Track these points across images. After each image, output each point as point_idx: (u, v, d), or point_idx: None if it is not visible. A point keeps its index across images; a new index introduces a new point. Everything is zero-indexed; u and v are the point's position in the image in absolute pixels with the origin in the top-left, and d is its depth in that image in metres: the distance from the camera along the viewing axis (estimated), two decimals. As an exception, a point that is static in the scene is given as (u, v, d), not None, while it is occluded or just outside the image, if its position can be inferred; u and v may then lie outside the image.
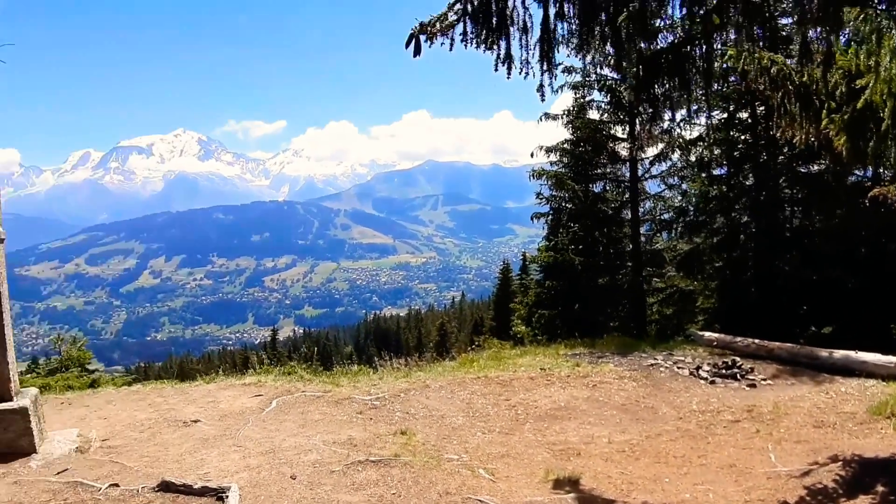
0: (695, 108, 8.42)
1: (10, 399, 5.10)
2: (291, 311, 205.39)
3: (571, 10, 4.54)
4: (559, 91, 14.19)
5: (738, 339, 9.23)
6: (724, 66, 7.36)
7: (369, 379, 7.96)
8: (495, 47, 4.56)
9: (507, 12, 4.49)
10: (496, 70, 4.63)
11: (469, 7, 4.47)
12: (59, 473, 4.79)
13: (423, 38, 4.46)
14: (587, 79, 14.24)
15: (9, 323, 5.13)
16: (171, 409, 6.80)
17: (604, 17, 4.55)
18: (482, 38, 4.53)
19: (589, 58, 5.08)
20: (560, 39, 4.67)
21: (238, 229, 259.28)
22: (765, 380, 7.83)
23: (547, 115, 14.44)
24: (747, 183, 13.21)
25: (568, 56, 5.13)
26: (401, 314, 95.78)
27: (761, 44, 4.88)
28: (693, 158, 13.97)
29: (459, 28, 4.51)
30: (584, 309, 14.21)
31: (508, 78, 4.61)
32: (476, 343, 15.73)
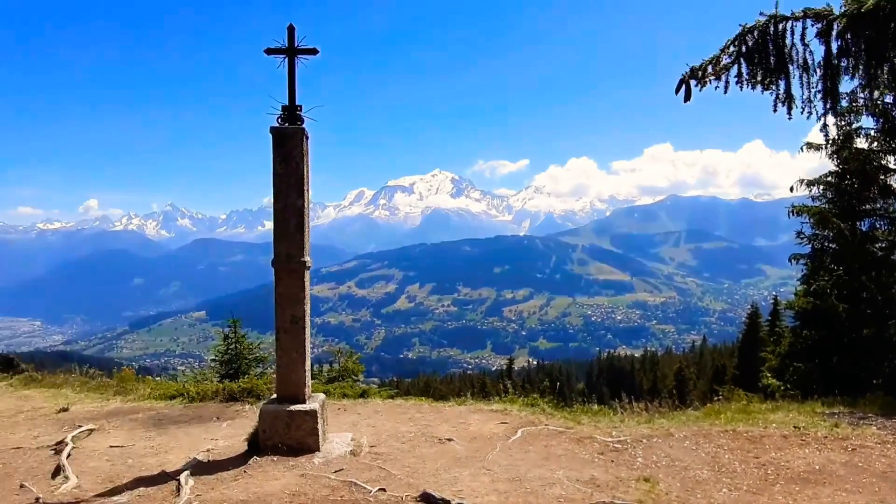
0: None
1: (304, 402, 6.02)
2: (527, 343, 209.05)
3: (856, 45, 4.11)
4: (823, 118, 12.19)
5: None
6: None
7: (610, 420, 7.85)
8: (773, 87, 4.42)
9: (786, 51, 4.29)
10: (775, 110, 4.48)
11: (744, 48, 4.35)
12: (336, 472, 5.46)
13: (693, 82, 4.48)
14: (854, 104, 12.02)
15: (308, 336, 6.07)
16: (428, 426, 7.42)
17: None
18: (759, 78, 4.43)
19: (877, 93, 4.72)
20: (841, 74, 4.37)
21: (482, 261, 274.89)
22: None
23: (809, 146, 12.74)
24: None
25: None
26: (636, 354, 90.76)
27: None
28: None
29: (734, 70, 4.46)
30: (844, 363, 11.96)
31: (789, 118, 4.48)
32: (718, 393, 14.04)
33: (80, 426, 7.75)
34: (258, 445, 5.94)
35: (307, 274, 6.11)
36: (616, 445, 6.59)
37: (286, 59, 6.19)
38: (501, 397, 9.12)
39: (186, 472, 5.37)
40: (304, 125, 6.16)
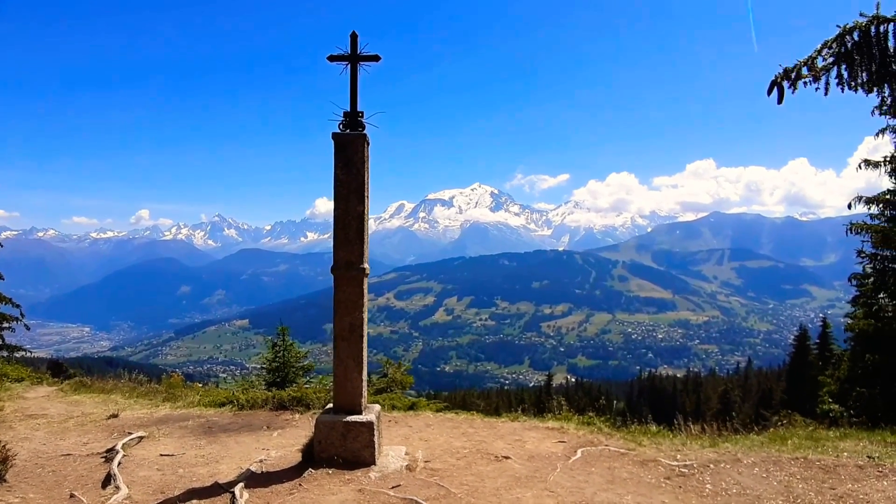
0: None
1: (360, 412, 5.85)
2: (565, 359, 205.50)
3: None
4: (880, 135, 11.75)
5: None
6: None
7: (671, 442, 7.50)
8: (878, 90, 4.16)
9: (891, 51, 3.97)
10: (880, 114, 4.43)
11: (843, 49, 4.13)
12: (393, 488, 5.27)
13: (786, 84, 4.31)
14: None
15: (366, 345, 5.93)
16: (482, 442, 7.17)
17: None
18: (861, 80, 4.17)
19: None
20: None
21: (521, 276, 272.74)
22: None
23: (867, 163, 12.12)
24: None
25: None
26: (678, 374, 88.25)
27: None
28: None
29: (833, 72, 4.25)
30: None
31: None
32: (765, 417, 13.39)
33: (130, 433, 7.77)
34: (312, 457, 5.80)
35: (366, 281, 5.99)
36: (682, 470, 6.28)
37: (348, 66, 6.14)
38: (555, 414, 8.80)
39: (241, 485, 5.26)
40: (365, 131, 6.08)
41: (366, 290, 5.97)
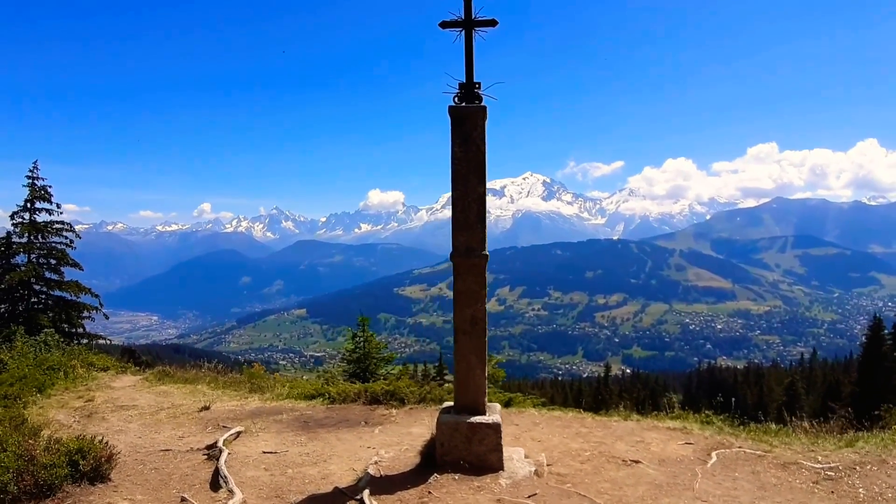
0: None
1: (484, 412, 5.34)
2: (619, 350, 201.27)
3: None
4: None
5: None
6: None
7: (800, 442, 6.97)
8: None
9: None
10: None
11: None
12: (531, 497, 4.75)
13: None
14: None
15: (486, 338, 5.40)
16: (601, 443, 6.64)
17: None
18: None
19: None
20: None
21: (573, 265, 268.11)
22: None
23: None
24: None
25: None
26: (738, 366, 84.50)
27: None
28: None
29: None
30: None
31: None
32: (833, 410, 12.15)
33: (225, 427, 7.57)
34: (433, 459, 5.33)
35: (485, 264, 5.44)
36: (829, 473, 5.87)
37: (462, 33, 5.58)
38: (667, 412, 8.12)
39: (366, 492, 4.84)
40: (483, 104, 5.52)
41: (484, 279, 5.43)
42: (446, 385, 9.56)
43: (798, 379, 48.26)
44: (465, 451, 5.18)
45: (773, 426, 8.21)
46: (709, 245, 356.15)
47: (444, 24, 5.59)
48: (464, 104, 5.50)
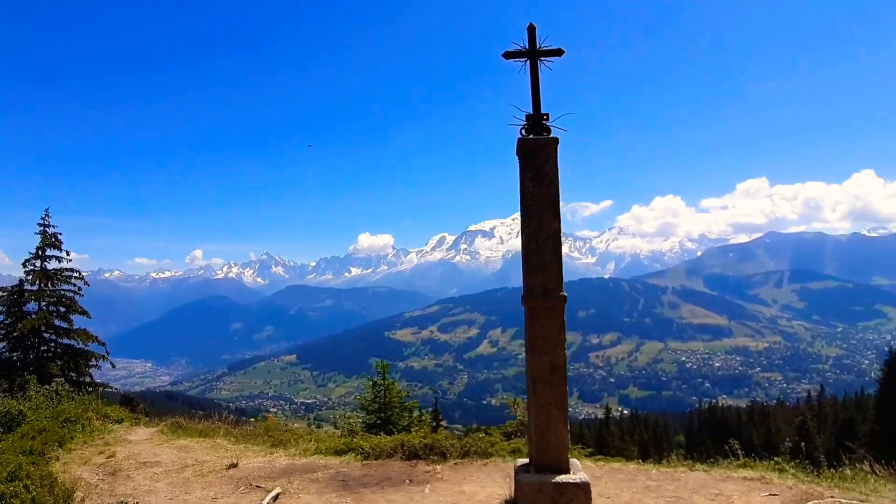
0: None
1: (567, 470, 4.82)
2: (615, 390, 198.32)
3: None
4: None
5: None
6: None
7: (886, 488, 6.42)
8: None
9: None
10: None
11: None
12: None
13: None
14: None
15: (566, 387, 4.94)
16: (679, 499, 6.10)
17: None
18: None
19: None
20: None
21: (566, 305, 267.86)
22: None
23: None
24: None
25: None
26: (740, 405, 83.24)
27: None
28: None
29: None
30: None
31: None
32: (851, 450, 11.49)
33: (259, 486, 6.99)
34: (515, 526, 4.78)
35: (562, 307, 5.03)
36: None
37: (527, 63, 5.33)
38: (732, 460, 7.58)
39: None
40: (553, 135, 5.21)
41: (563, 323, 5.00)
42: (485, 437, 8.93)
43: (808, 417, 47.33)
44: (551, 516, 4.64)
45: (848, 471, 7.71)
46: (701, 281, 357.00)
47: (507, 55, 5.34)
48: (531, 136, 5.19)
